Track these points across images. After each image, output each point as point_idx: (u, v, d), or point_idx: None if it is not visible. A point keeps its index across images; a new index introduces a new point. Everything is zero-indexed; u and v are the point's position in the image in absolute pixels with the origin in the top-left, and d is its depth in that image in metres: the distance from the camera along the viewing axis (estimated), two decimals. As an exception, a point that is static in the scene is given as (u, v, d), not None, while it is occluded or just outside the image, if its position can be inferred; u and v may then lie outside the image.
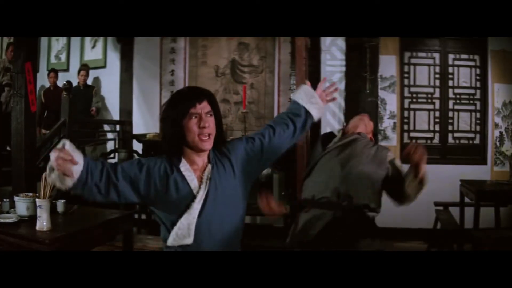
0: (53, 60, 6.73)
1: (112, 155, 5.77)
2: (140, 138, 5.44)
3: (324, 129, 5.13)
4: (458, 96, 5.43)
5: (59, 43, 6.67)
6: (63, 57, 6.66)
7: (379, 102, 5.31)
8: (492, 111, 5.33)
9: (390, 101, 5.42)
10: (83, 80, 6.05)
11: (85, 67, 6.11)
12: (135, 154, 5.55)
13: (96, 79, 6.40)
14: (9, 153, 5.02)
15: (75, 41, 6.53)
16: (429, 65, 5.46)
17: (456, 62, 5.43)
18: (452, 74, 5.43)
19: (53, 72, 6.26)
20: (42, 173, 2.60)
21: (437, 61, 5.41)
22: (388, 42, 5.43)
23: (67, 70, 6.60)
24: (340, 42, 5.09)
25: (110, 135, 6.05)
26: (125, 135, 5.84)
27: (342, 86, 5.05)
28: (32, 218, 2.68)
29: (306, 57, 4.48)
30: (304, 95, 2.06)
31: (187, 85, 5.70)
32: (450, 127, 5.44)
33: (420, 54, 5.46)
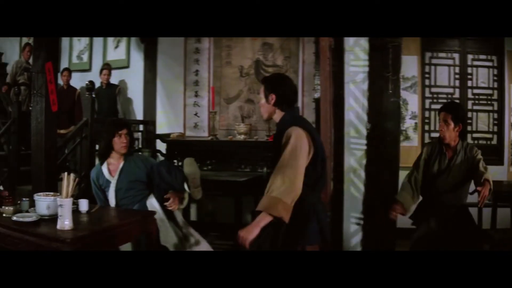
0: (74, 60, 6.72)
1: (136, 155, 5.75)
2: (164, 138, 5.41)
3: (348, 129, 5.09)
4: (476, 97, 5.39)
5: (80, 43, 6.65)
6: (85, 57, 6.63)
7: (401, 103, 5.27)
8: (508, 111, 5.31)
9: (411, 101, 5.39)
10: (105, 79, 6.04)
11: (107, 66, 6.10)
12: (158, 154, 5.53)
13: (122, 82, 6.38)
14: (27, 153, 5.01)
15: (98, 41, 6.51)
16: (449, 65, 5.43)
17: (475, 63, 5.40)
18: (471, 74, 5.40)
19: (67, 70, 6.26)
20: (64, 172, 2.60)
21: (457, 62, 5.38)
22: (409, 42, 5.40)
23: (89, 70, 6.60)
24: (364, 42, 5.04)
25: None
26: (149, 135, 5.82)
27: (365, 86, 5.01)
28: (53, 218, 2.65)
29: (330, 57, 4.43)
30: None
31: (211, 85, 5.71)
32: (469, 128, 5.40)
33: (441, 54, 5.43)
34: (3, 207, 2.83)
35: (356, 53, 5.14)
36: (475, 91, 5.39)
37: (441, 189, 3.25)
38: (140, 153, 5.47)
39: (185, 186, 3.39)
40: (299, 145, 2.36)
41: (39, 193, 2.84)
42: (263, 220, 2.32)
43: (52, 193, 2.86)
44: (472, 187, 3.26)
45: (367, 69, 5.07)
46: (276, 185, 2.32)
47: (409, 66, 5.34)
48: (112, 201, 3.41)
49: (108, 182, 3.42)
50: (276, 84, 2.60)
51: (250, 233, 2.30)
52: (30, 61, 6.32)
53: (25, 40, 6.85)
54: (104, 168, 3.46)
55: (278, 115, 2.57)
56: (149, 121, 5.95)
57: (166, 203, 3.27)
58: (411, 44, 5.39)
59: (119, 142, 3.39)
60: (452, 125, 3.22)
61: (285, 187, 2.30)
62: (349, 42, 5.13)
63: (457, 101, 5.43)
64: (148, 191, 3.46)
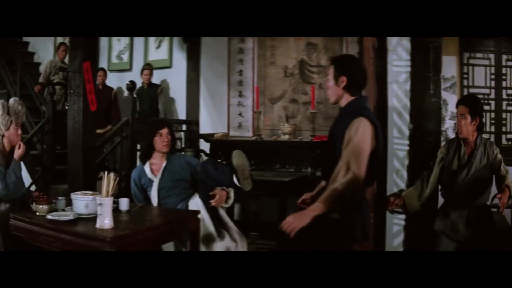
0: (114, 60, 6.72)
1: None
2: (208, 137, 5.40)
3: (391, 129, 5.09)
4: (510, 97, 5.40)
5: (120, 43, 6.67)
6: (125, 57, 6.65)
7: (441, 103, 5.27)
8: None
9: (451, 101, 5.38)
10: (147, 79, 6.05)
11: (148, 66, 6.11)
12: (202, 154, 5.52)
13: (164, 82, 6.39)
14: (62, 152, 5.00)
15: (138, 41, 6.50)
16: (485, 65, 5.42)
17: (509, 63, 5.40)
18: (506, 75, 5.40)
19: (102, 70, 6.25)
20: (104, 171, 2.60)
21: (492, 62, 5.38)
22: (448, 42, 5.39)
23: (129, 70, 6.61)
24: (406, 42, 5.05)
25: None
26: (192, 135, 5.82)
27: (407, 86, 5.01)
28: (91, 217, 2.62)
29: (373, 57, 4.44)
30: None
31: (255, 85, 5.71)
32: (503, 129, 5.40)
33: (478, 54, 5.42)
34: (35, 205, 2.81)
35: (399, 53, 5.14)
36: (509, 91, 5.39)
37: (462, 186, 3.18)
38: (182, 152, 5.46)
39: (234, 180, 3.37)
40: (365, 139, 2.30)
41: (77, 192, 2.81)
42: (317, 209, 2.22)
43: (90, 192, 2.85)
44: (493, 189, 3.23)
45: (409, 69, 5.07)
46: (339, 177, 2.26)
47: (448, 66, 5.33)
48: (154, 200, 3.42)
49: (150, 182, 3.43)
50: (347, 65, 2.47)
51: (301, 220, 2.18)
52: (66, 60, 6.31)
53: (59, 39, 6.81)
54: (147, 168, 3.47)
55: (345, 100, 2.46)
56: (192, 121, 5.96)
57: (211, 200, 3.27)
58: (450, 44, 5.38)
59: (160, 141, 3.41)
60: (469, 119, 3.10)
61: (346, 180, 2.24)
62: (392, 42, 5.13)
63: (492, 101, 5.44)
64: (192, 190, 3.45)
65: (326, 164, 2.63)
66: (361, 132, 2.28)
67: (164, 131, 3.44)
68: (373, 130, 2.34)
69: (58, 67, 6.57)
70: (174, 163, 3.46)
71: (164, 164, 3.44)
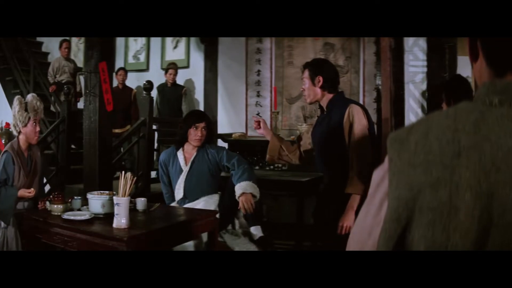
0: (131, 60, 6.71)
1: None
2: (226, 137, 5.34)
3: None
4: (522, 97, 5.36)
5: (137, 43, 6.67)
6: (142, 57, 6.65)
7: (457, 103, 5.24)
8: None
9: (467, 102, 5.35)
10: (171, 79, 6.01)
11: (173, 66, 6.06)
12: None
13: (186, 82, 6.37)
14: (78, 151, 4.94)
15: (155, 41, 6.47)
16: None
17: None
18: (516, 75, 5.36)
19: (122, 70, 6.21)
20: (121, 171, 2.59)
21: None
22: (464, 43, 5.34)
23: (146, 70, 6.60)
24: (422, 42, 5.02)
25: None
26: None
27: (424, 87, 4.99)
28: (107, 216, 2.61)
29: (390, 58, 4.39)
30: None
31: (273, 85, 5.71)
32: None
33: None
34: (50, 204, 2.79)
35: (415, 53, 5.12)
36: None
37: None
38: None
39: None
40: (363, 122, 2.53)
41: (93, 192, 2.81)
42: (355, 201, 2.44)
43: (107, 191, 2.84)
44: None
45: (425, 69, 5.04)
46: (353, 165, 2.46)
47: (464, 66, 5.29)
48: (179, 192, 3.44)
49: (180, 171, 3.45)
50: (321, 66, 2.70)
51: (350, 219, 2.43)
52: (71, 57, 6.27)
53: (74, 39, 6.76)
54: (180, 155, 3.50)
55: (326, 98, 2.67)
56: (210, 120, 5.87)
57: (240, 208, 3.22)
58: (465, 44, 5.33)
59: (194, 134, 3.41)
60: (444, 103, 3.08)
61: (361, 165, 2.43)
62: (408, 42, 5.10)
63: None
64: (216, 188, 3.49)
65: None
66: (357, 117, 2.53)
67: (201, 125, 3.43)
68: (363, 112, 2.59)
69: (63, 66, 6.51)
70: (203, 155, 3.47)
71: (193, 156, 3.46)
